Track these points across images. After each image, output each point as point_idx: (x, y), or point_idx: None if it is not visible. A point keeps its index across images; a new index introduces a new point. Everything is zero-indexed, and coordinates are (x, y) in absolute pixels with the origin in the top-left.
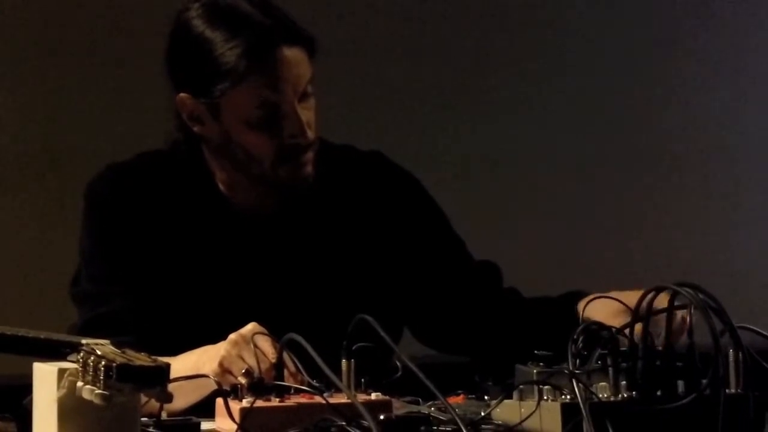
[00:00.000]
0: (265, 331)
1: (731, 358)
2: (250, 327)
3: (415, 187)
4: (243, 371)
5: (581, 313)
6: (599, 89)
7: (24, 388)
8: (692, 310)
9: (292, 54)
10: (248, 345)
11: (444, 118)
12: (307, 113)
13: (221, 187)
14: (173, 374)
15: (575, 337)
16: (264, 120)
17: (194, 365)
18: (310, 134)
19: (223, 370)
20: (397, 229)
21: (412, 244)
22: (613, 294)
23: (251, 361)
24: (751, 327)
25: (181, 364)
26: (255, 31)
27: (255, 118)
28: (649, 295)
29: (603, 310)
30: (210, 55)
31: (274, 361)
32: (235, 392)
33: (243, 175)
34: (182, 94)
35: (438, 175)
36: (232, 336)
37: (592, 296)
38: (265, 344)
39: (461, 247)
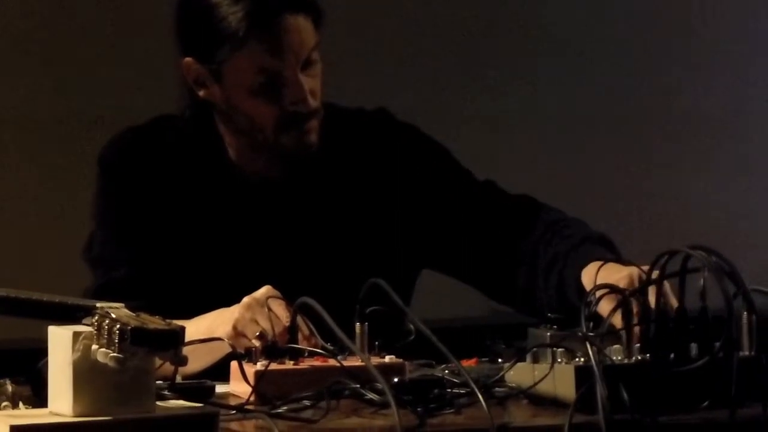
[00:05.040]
0: (279, 295)
1: (744, 320)
2: (264, 290)
3: (420, 136)
4: (257, 334)
5: (585, 279)
6: (618, 55)
7: (38, 352)
8: (705, 273)
9: (296, 21)
10: (262, 308)
11: (457, 78)
12: (310, 81)
13: (231, 152)
14: (187, 337)
15: (588, 300)
16: (265, 87)
17: (208, 328)
18: (313, 102)
19: (237, 333)
20: (409, 181)
21: (427, 192)
22: (610, 265)
23: (265, 324)
24: (764, 290)
25: (194, 327)
26: None
27: (256, 84)
28: (663, 258)
29: (613, 275)
30: (213, 20)
31: (287, 324)
32: (250, 356)
33: (247, 141)
34: (187, 59)
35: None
36: (246, 299)
37: (594, 264)
38: (279, 308)
39: (476, 182)
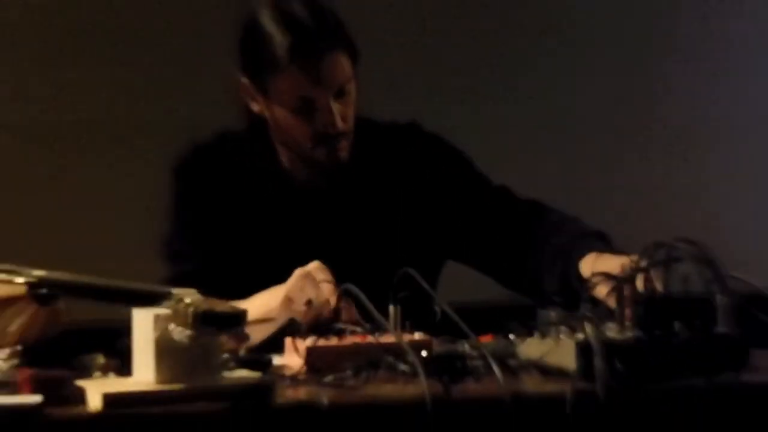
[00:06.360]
0: (325, 268)
1: (721, 302)
2: (314, 264)
3: (444, 145)
4: (305, 301)
5: (584, 269)
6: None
7: (117, 330)
8: (688, 262)
9: (333, 57)
10: (311, 280)
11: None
12: (341, 108)
13: (284, 161)
14: (250, 309)
15: (587, 285)
16: (302, 109)
17: (266, 300)
18: (341, 125)
19: (289, 300)
20: (434, 185)
21: (449, 195)
22: (605, 256)
23: (312, 293)
24: (739, 276)
25: (257, 300)
26: (302, 33)
27: (295, 106)
28: (651, 249)
29: (608, 264)
30: (264, 47)
31: (334, 295)
32: (299, 331)
33: (291, 152)
34: (243, 76)
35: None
36: (298, 271)
37: (592, 255)
38: (325, 278)
39: (492, 186)
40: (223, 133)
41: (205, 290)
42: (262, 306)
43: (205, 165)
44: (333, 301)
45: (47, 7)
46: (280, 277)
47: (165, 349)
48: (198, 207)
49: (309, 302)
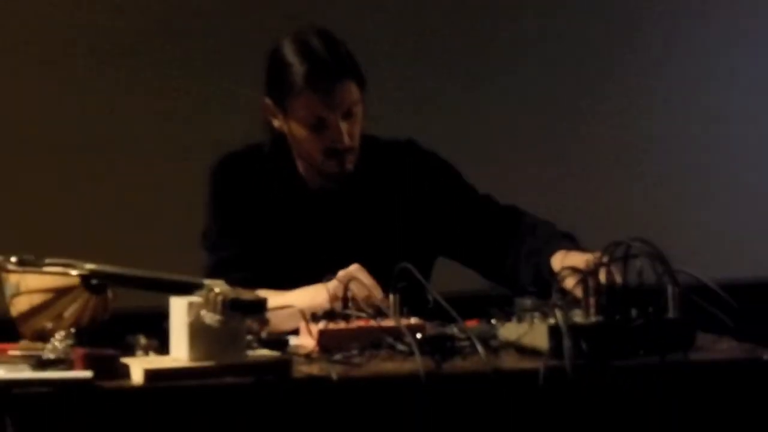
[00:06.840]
0: (364, 270)
1: (670, 292)
2: (354, 267)
3: (437, 160)
4: (350, 298)
5: (554, 264)
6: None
7: (157, 316)
8: (642, 258)
9: (343, 84)
10: (353, 279)
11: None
12: (348, 126)
13: (300, 169)
14: (296, 302)
15: (558, 278)
16: (315, 126)
17: (312, 296)
18: (347, 142)
19: (335, 297)
20: (428, 194)
21: (441, 202)
22: (572, 253)
23: (356, 291)
24: (686, 270)
25: (304, 296)
26: (317, 63)
27: (309, 124)
28: (612, 247)
29: (575, 260)
30: (284, 74)
31: (375, 291)
32: (315, 318)
33: (306, 162)
34: (267, 98)
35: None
36: (341, 273)
37: (561, 253)
38: (365, 278)
39: (478, 195)
40: (252, 144)
41: (239, 275)
42: (309, 301)
43: (236, 169)
44: (375, 294)
45: (89, 21)
46: (298, 264)
47: (198, 332)
48: (230, 205)
49: (353, 299)
